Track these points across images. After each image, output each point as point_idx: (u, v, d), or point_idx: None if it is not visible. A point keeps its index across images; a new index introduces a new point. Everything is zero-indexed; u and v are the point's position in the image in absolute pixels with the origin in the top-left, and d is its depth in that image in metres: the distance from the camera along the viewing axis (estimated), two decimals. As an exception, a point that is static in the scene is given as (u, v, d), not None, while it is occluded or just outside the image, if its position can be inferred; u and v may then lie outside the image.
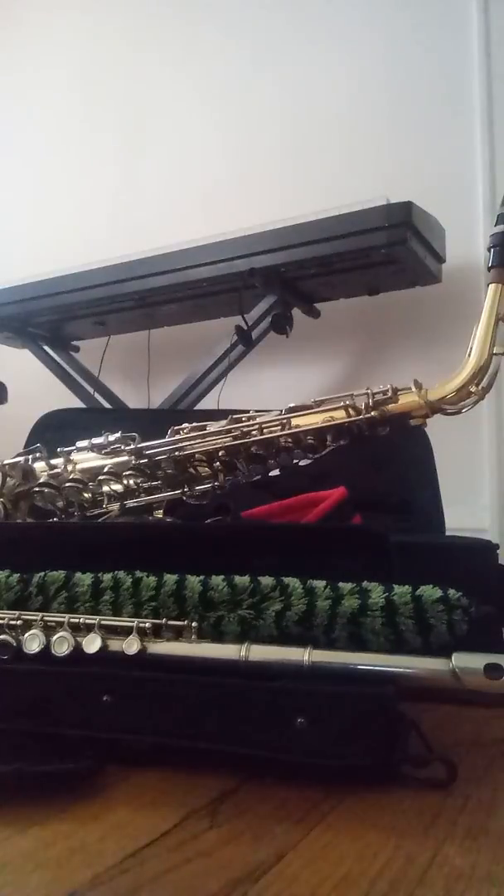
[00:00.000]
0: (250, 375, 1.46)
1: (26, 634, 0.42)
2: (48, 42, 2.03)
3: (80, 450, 0.62)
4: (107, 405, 1.59)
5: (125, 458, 0.59)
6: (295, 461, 0.57)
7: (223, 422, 0.57)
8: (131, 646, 0.40)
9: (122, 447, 0.60)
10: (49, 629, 0.42)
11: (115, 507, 0.59)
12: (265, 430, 0.56)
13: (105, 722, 0.39)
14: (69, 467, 0.61)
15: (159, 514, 0.59)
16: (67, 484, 0.59)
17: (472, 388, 0.52)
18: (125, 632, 0.41)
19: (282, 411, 0.56)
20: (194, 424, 0.59)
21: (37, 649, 0.41)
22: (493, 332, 0.52)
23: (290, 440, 0.55)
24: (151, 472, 0.58)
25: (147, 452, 0.58)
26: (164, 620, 0.42)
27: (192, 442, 0.57)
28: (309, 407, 0.56)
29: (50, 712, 0.40)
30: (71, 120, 1.97)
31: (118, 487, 0.59)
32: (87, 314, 1.54)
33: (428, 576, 0.42)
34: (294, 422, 0.55)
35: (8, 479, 0.61)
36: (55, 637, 0.41)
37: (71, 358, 1.67)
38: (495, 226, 0.53)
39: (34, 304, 1.53)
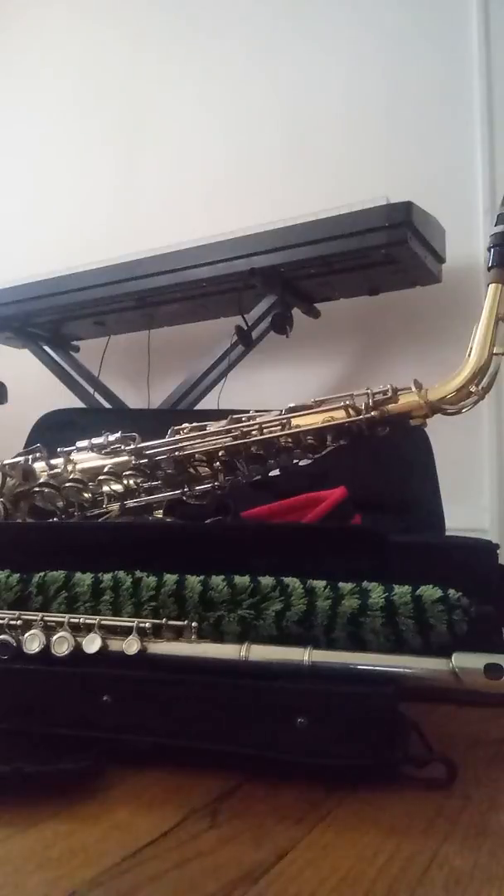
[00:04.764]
0: (250, 375, 1.46)
1: (26, 634, 0.42)
2: (48, 42, 2.03)
3: (80, 450, 0.62)
4: (107, 405, 1.58)
5: (125, 458, 0.59)
6: (295, 461, 0.57)
7: (223, 422, 0.57)
8: (131, 646, 0.40)
9: (122, 447, 0.60)
10: (49, 629, 0.42)
11: (115, 507, 0.59)
12: (265, 430, 0.56)
13: (105, 722, 0.39)
14: (69, 467, 0.61)
15: (159, 514, 0.59)
16: (67, 484, 0.59)
17: (472, 388, 0.52)
18: (125, 632, 0.41)
19: (282, 411, 0.56)
20: (194, 424, 0.59)
21: (37, 649, 0.41)
22: (493, 332, 0.52)
23: (290, 440, 0.55)
24: (151, 472, 0.58)
25: (147, 452, 0.58)
26: (164, 620, 0.42)
27: (192, 442, 0.57)
28: (309, 407, 0.56)
29: (50, 712, 0.40)
30: (70, 120, 1.97)
31: (118, 487, 0.59)
32: (87, 314, 1.54)
33: (428, 576, 0.42)
34: (294, 422, 0.55)
35: (8, 479, 0.61)
36: (55, 637, 0.41)
37: (71, 358, 1.67)
38: (495, 226, 0.53)
39: (34, 304, 1.52)
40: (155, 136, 1.83)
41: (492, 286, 0.52)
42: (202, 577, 0.43)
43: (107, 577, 0.44)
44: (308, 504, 0.62)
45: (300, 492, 0.64)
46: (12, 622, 0.42)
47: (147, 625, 0.41)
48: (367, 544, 0.46)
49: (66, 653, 0.41)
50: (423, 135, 1.46)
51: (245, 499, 0.62)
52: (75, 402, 1.56)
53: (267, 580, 0.42)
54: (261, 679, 0.39)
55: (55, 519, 0.60)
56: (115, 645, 0.41)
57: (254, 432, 0.56)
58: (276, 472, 0.58)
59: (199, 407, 1.37)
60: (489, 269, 0.52)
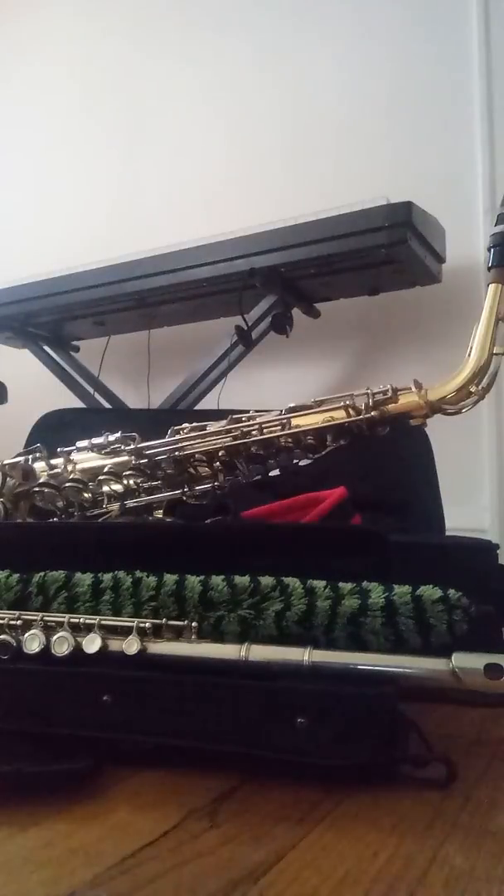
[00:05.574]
0: (250, 375, 1.46)
1: (26, 634, 0.42)
2: (48, 41, 2.03)
3: (80, 450, 0.62)
4: (107, 405, 1.58)
5: (125, 458, 0.59)
6: (295, 461, 0.57)
7: (223, 422, 0.57)
8: (131, 646, 0.40)
9: (122, 447, 0.60)
10: (49, 629, 0.42)
11: (115, 507, 0.59)
12: (265, 430, 0.56)
13: (105, 722, 0.39)
14: (69, 467, 0.61)
15: (159, 514, 0.59)
16: (67, 484, 0.59)
17: (472, 388, 0.52)
18: (125, 632, 0.41)
19: (282, 411, 0.56)
20: (194, 424, 0.59)
21: (37, 649, 0.41)
22: (493, 332, 0.52)
23: (290, 440, 0.55)
24: (151, 472, 0.58)
25: (147, 452, 0.58)
26: (164, 620, 0.42)
27: (192, 442, 0.57)
28: (309, 407, 0.56)
29: (50, 712, 0.40)
30: (71, 119, 1.97)
31: (118, 487, 0.59)
32: (87, 314, 1.54)
33: (428, 576, 0.42)
34: (294, 422, 0.55)
35: (8, 479, 0.61)
36: (55, 637, 0.41)
37: (71, 358, 1.67)
38: (495, 226, 0.53)
39: (34, 304, 1.52)
40: (155, 135, 1.83)
41: (492, 286, 0.52)
42: (202, 577, 0.43)
43: (107, 577, 0.44)
44: (308, 504, 0.62)
45: (300, 492, 0.64)
46: (12, 622, 0.42)
47: (147, 625, 0.41)
48: (367, 544, 0.46)
49: (66, 653, 0.41)
50: (423, 135, 1.45)
51: (245, 499, 0.62)
52: (75, 402, 1.56)
53: (267, 580, 0.42)
54: (261, 679, 0.39)
55: (55, 519, 0.60)
56: (115, 645, 0.41)
57: (254, 432, 0.56)
58: (276, 472, 0.58)
59: (199, 407, 1.37)
60: (489, 269, 0.52)
